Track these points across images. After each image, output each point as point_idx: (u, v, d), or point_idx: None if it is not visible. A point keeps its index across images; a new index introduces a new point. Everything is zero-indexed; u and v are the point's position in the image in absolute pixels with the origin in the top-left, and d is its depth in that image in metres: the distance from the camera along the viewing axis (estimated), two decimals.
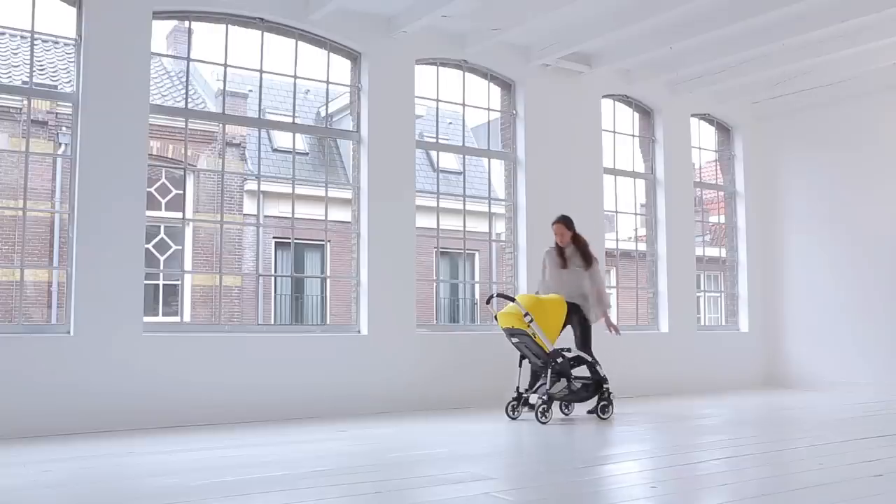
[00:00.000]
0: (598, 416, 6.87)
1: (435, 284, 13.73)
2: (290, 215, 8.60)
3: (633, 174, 9.89)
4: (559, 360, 6.68)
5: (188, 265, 16.33)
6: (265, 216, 17.57)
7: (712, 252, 12.44)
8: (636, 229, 15.82)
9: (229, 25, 7.25)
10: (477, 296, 19.79)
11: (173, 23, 16.38)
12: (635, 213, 11.07)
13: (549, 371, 6.63)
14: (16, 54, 15.45)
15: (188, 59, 7.80)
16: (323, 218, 8.67)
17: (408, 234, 7.85)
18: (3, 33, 14.97)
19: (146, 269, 6.71)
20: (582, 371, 6.94)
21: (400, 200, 7.83)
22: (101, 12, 6.44)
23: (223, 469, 4.68)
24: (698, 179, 11.28)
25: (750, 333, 10.34)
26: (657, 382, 9.08)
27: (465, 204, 8.73)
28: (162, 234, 16.44)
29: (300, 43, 7.62)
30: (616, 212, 10.11)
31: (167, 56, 18.00)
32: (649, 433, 6.44)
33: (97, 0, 6.44)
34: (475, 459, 5.07)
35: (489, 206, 9.32)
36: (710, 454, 5.31)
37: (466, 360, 7.90)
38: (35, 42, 7.22)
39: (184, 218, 16.62)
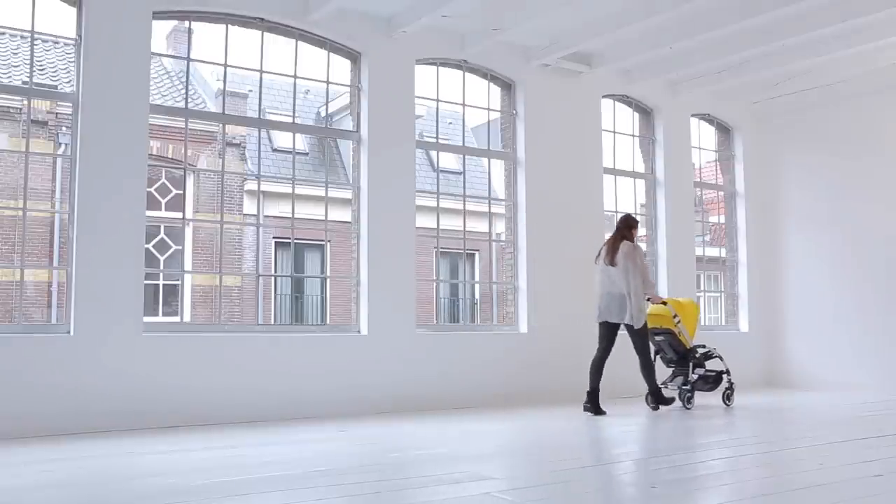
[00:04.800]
0: (724, 402, 7.84)
1: (435, 284, 13.73)
2: (290, 215, 8.60)
3: (633, 174, 9.89)
4: (697, 354, 7.73)
5: (188, 265, 16.32)
6: (265, 216, 17.56)
7: (712, 252, 12.43)
8: None
9: (229, 25, 7.25)
10: (477, 296, 19.80)
11: (173, 23, 16.37)
12: (635, 214, 11.03)
13: (692, 364, 7.64)
14: (16, 54, 15.45)
15: (188, 59, 7.79)
16: (323, 218, 8.67)
17: (408, 234, 7.85)
18: (3, 33, 14.97)
19: (146, 269, 6.71)
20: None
21: (400, 200, 7.83)
22: (101, 12, 6.45)
23: (223, 469, 4.68)
24: (698, 179, 11.28)
25: (750, 333, 10.34)
26: None
27: (465, 204, 8.73)
28: (162, 234, 16.44)
29: (300, 43, 7.62)
30: (616, 212, 10.06)
31: (167, 56, 18.00)
32: (649, 433, 6.44)
33: (97, 0, 6.44)
34: (475, 459, 5.07)
35: (489, 206, 9.31)
36: (710, 454, 5.32)
37: (466, 360, 7.90)
38: (35, 42, 7.21)
39: (184, 218, 16.61)
